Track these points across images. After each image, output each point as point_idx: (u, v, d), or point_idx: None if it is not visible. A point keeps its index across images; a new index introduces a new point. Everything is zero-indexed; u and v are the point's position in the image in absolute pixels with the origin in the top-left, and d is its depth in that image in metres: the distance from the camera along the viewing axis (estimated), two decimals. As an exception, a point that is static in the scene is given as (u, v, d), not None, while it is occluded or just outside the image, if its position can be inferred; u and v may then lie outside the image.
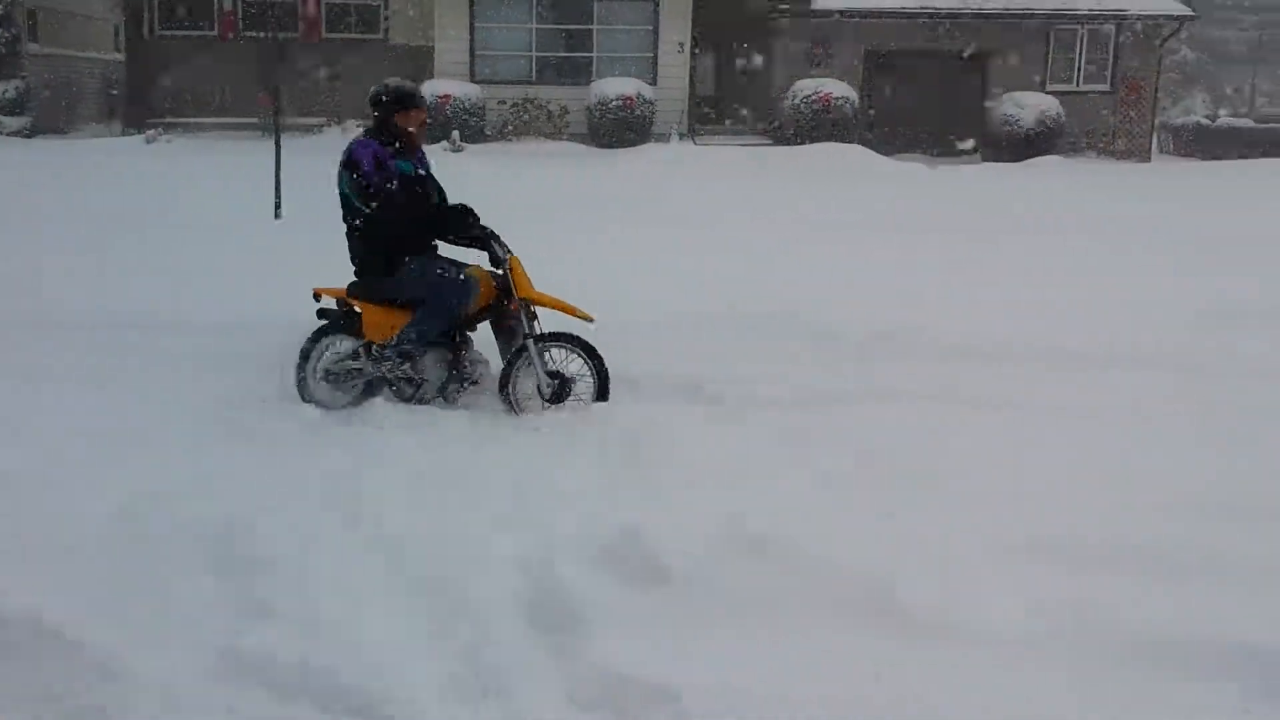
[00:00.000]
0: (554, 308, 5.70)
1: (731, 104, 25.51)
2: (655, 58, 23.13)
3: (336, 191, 5.76)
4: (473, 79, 22.48)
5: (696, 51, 23.96)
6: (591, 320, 5.74)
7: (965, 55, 24.42)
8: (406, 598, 3.82)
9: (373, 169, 5.56)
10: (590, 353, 5.73)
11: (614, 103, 21.55)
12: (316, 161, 16.37)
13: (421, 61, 22.67)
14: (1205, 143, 33.73)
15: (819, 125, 22.14)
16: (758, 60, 25.42)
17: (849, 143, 21.58)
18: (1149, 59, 25.65)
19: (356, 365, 5.75)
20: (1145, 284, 9.24)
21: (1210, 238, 12.06)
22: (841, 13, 23.30)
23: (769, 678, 3.35)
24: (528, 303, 5.69)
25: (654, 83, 22.66)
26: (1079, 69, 25.22)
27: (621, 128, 21.54)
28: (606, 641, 3.50)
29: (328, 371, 5.81)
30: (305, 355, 5.86)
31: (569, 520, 4.24)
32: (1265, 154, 27.83)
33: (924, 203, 15.21)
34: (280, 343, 6.35)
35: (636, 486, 4.63)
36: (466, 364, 5.85)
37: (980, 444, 5.31)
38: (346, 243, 5.83)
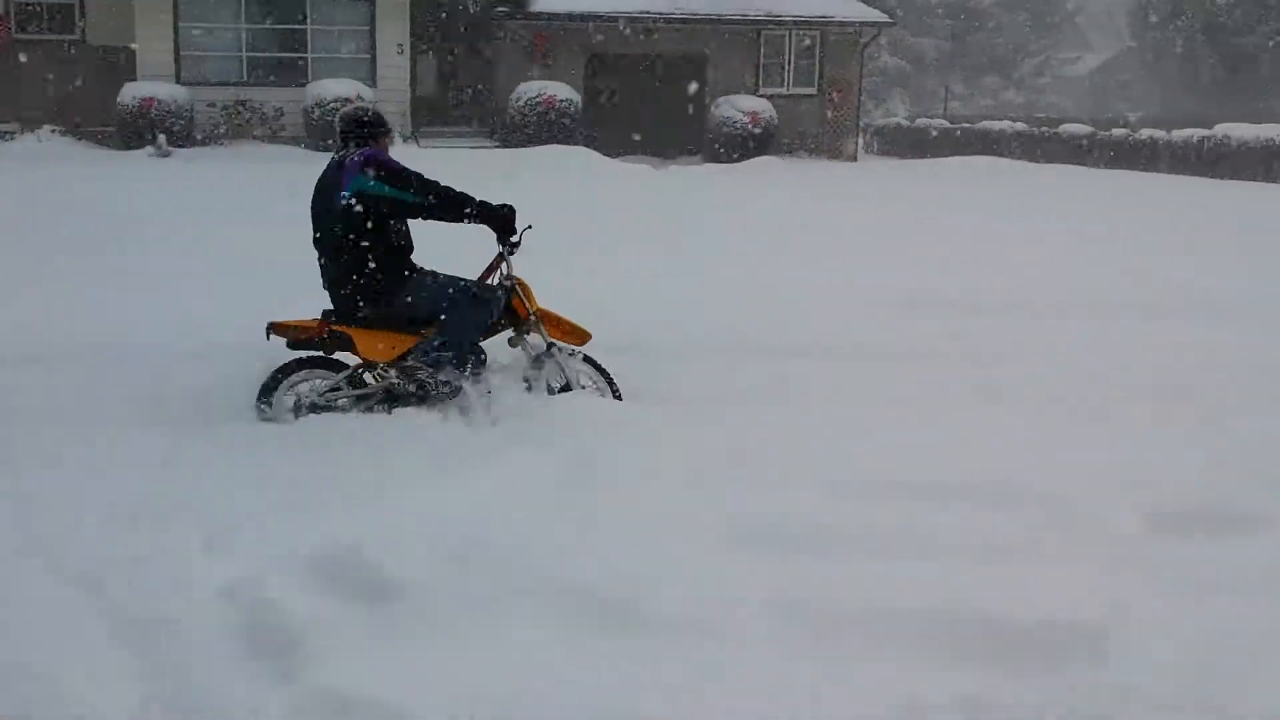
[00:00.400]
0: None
1: (455, 106, 25.26)
2: (374, 58, 22.63)
3: (314, 213, 5.55)
4: (179, 81, 21.35)
5: (425, 50, 23.64)
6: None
7: (674, 57, 25.06)
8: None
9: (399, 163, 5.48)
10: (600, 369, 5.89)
11: (332, 104, 20.88)
12: (5, 171, 15.30)
13: (123, 63, 21.35)
14: (905, 142, 35.91)
15: (544, 127, 22.19)
16: (480, 63, 25.27)
17: (574, 145, 21.71)
18: (852, 64, 27.03)
19: (346, 393, 5.58)
20: (847, 276, 9.69)
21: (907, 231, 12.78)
22: (559, 15, 23.46)
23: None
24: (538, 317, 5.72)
25: (374, 84, 22.15)
26: (788, 73, 26.31)
27: (329, 132, 20.92)
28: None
29: (314, 405, 5.51)
30: (269, 390, 5.52)
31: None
32: (955, 151, 29.86)
33: (650, 201, 15.45)
34: None
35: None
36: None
37: (698, 434, 5.35)
38: (330, 267, 5.55)
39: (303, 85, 21.79)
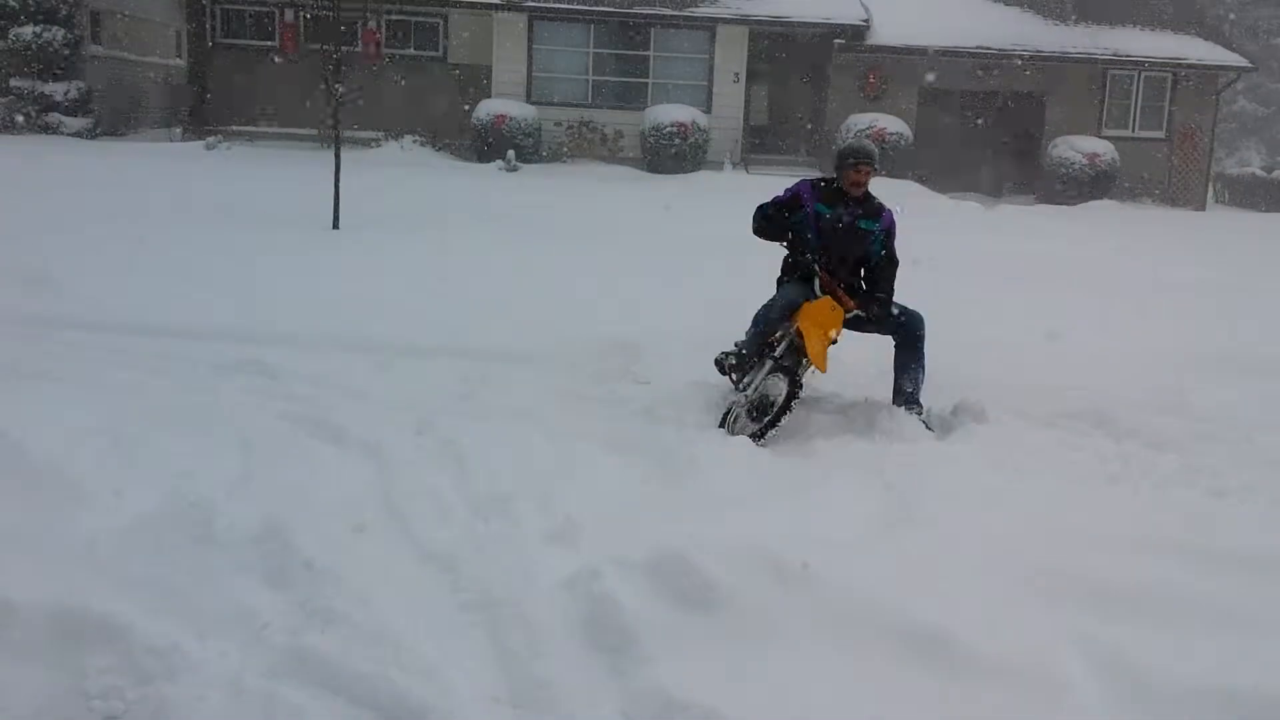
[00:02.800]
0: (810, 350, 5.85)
1: (785, 136, 25.52)
2: (710, 86, 23.19)
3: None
4: (529, 100, 22.61)
5: (759, 79, 24.05)
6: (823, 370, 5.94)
7: (1012, 93, 24.36)
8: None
9: (782, 198, 6.23)
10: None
11: (668, 128, 21.60)
12: (373, 174, 16.73)
13: (479, 81, 22.84)
14: (1259, 194, 33.43)
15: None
16: (812, 93, 25.43)
17: (902, 178, 21.47)
18: (1205, 108, 25.45)
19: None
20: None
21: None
22: (895, 49, 23.28)
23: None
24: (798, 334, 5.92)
25: (708, 110, 22.70)
26: (1135, 115, 25.07)
27: (675, 153, 21.58)
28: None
29: None
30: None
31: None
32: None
33: (980, 241, 15.09)
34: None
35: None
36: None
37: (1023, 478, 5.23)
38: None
39: (642, 109, 22.60)
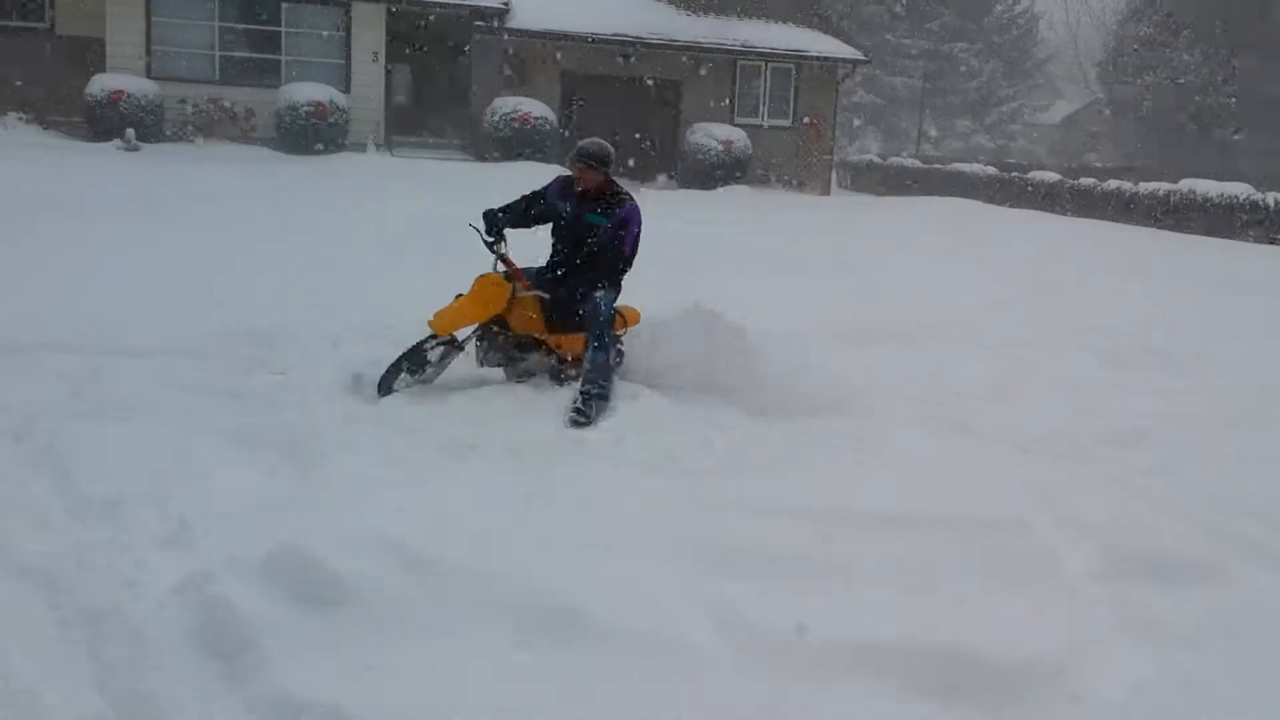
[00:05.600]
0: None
1: (429, 118, 25.21)
2: (348, 65, 22.53)
3: None
4: (150, 75, 21.14)
5: (400, 60, 23.59)
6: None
7: (650, 81, 25.20)
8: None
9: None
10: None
11: (305, 108, 20.81)
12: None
13: (92, 54, 21.12)
14: (877, 179, 36.23)
15: (519, 143, 22.16)
16: (455, 76, 25.25)
17: (549, 162, 21.68)
18: (827, 98, 27.24)
19: None
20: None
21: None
22: (536, 33, 23.49)
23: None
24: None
25: (347, 90, 22.03)
26: (764, 104, 26.47)
27: (313, 134, 20.83)
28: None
29: None
30: None
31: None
32: (927, 191, 30.16)
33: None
34: None
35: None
36: None
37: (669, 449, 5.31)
38: None
39: (275, 87, 21.66)
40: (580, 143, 6.46)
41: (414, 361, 6.08)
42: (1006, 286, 12.19)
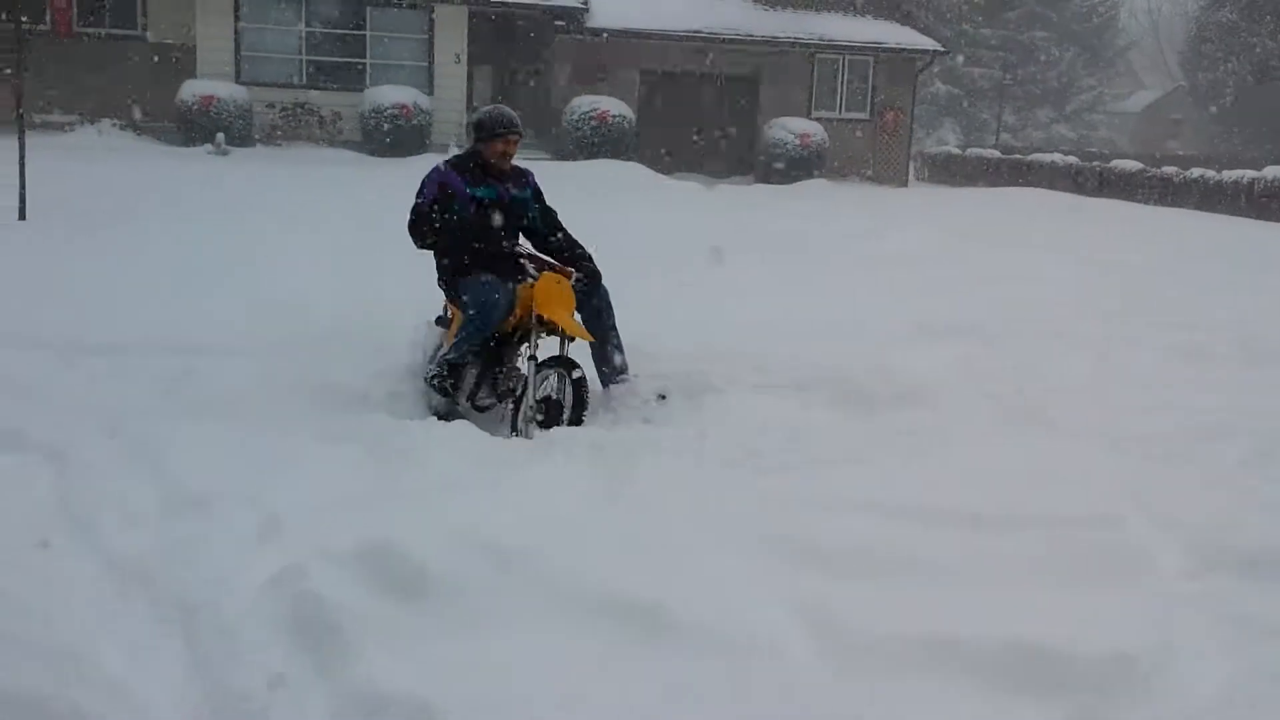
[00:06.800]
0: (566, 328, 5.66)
1: (509, 118, 25.41)
2: (431, 67, 22.82)
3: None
4: (238, 80, 21.61)
5: (482, 61, 23.81)
6: (590, 340, 5.85)
7: (727, 77, 25.14)
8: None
9: (427, 197, 5.82)
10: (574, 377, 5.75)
11: (389, 110, 21.13)
12: (66, 160, 15.58)
13: (184, 61, 21.65)
14: (956, 171, 35.75)
15: (597, 142, 22.28)
16: (536, 76, 25.44)
17: (627, 160, 21.78)
18: (905, 90, 26.97)
19: None
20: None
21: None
22: (615, 31, 23.58)
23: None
24: (541, 320, 5.65)
25: (430, 92, 22.33)
26: (841, 97, 26.30)
27: (397, 136, 21.12)
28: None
29: None
30: None
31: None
32: (1007, 182, 29.71)
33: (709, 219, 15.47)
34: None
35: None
36: (500, 376, 5.89)
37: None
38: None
39: (360, 90, 22.00)
40: (491, 113, 5.93)
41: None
42: (1089, 277, 11.99)
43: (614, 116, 22.54)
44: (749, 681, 3.35)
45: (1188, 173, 27.33)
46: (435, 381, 5.79)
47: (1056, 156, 33.29)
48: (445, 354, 5.82)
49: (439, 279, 6.06)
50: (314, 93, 22.23)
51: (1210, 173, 26.52)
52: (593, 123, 22.42)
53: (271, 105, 21.74)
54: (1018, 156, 35.26)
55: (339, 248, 10.63)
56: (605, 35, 23.59)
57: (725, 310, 8.61)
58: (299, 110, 21.84)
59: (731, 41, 24.50)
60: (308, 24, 22.39)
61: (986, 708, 3.31)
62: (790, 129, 24.27)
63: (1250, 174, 25.08)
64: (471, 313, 5.69)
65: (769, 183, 23.52)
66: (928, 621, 3.65)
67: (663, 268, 10.18)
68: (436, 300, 6.26)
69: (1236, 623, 3.81)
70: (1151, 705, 3.31)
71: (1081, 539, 4.35)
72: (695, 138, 24.78)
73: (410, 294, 6.77)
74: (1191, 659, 3.53)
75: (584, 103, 22.82)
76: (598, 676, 3.36)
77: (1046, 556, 4.20)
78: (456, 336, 5.79)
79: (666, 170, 22.05)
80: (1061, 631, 3.58)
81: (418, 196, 5.84)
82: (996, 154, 36.55)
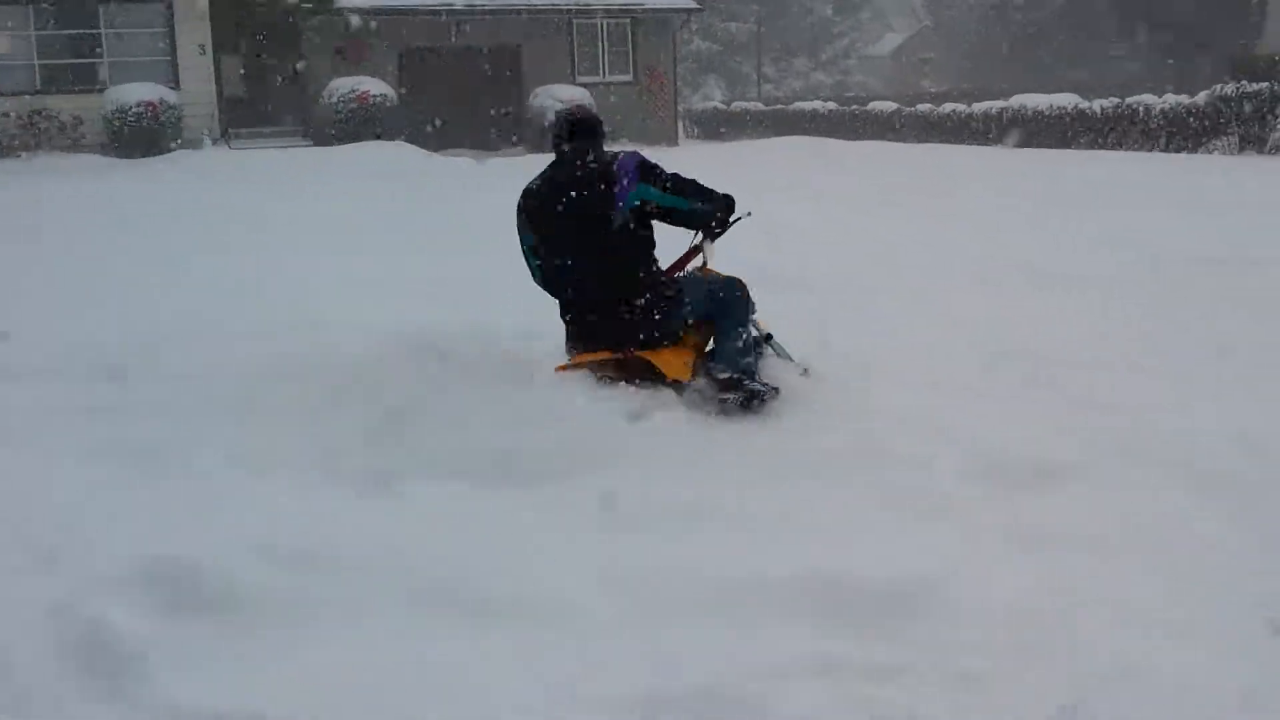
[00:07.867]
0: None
1: (266, 106, 24.54)
2: (175, 61, 21.81)
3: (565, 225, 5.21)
4: (-30, 89, 20.21)
5: (230, 50, 22.93)
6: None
7: (488, 48, 24.95)
8: None
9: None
10: None
11: (134, 109, 20.13)
12: None
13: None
14: (723, 125, 36.49)
15: (360, 124, 21.76)
16: (289, 62, 24.63)
17: (392, 140, 21.35)
18: (665, 49, 27.30)
19: None
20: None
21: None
22: (365, 10, 23.07)
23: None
24: None
25: (176, 86, 21.35)
26: (603, 61, 26.43)
27: (146, 135, 20.14)
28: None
29: None
30: None
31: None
32: (773, 132, 30.53)
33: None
34: None
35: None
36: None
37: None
38: (595, 285, 5.15)
39: (101, 91, 20.87)
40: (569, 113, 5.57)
41: None
42: (859, 219, 12.41)
43: (375, 96, 22.07)
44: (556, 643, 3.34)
45: (940, 108, 28.63)
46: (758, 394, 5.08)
47: (817, 104, 34.44)
48: (744, 360, 5.15)
49: (662, 291, 5.21)
50: (51, 98, 20.94)
51: (961, 107, 27.84)
52: (353, 104, 21.88)
53: (6, 114, 20.38)
54: (780, 107, 36.29)
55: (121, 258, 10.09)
56: (356, 15, 23.02)
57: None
58: (36, 118, 20.55)
59: (488, 11, 24.27)
60: (37, 27, 21.07)
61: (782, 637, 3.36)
62: (556, 95, 24.25)
63: (999, 104, 26.46)
64: (744, 303, 5.27)
65: (541, 151, 23.34)
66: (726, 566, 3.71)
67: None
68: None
69: (1020, 532, 3.99)
70: (933, 621, 3.41)
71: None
72: (461, 112, 24.47)
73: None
74: (978, 572, 3.67)
75: (343, 84, 22.25)
76: (415, 661, 3.29)
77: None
78: (744, 333, 5.20)
79: (435, 147, 21.71)
80: (857, 562, 3.68)
81: (679, 180, 5.26)
82: (760, 106, 37.48)
